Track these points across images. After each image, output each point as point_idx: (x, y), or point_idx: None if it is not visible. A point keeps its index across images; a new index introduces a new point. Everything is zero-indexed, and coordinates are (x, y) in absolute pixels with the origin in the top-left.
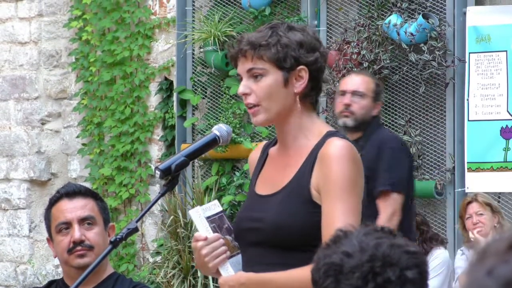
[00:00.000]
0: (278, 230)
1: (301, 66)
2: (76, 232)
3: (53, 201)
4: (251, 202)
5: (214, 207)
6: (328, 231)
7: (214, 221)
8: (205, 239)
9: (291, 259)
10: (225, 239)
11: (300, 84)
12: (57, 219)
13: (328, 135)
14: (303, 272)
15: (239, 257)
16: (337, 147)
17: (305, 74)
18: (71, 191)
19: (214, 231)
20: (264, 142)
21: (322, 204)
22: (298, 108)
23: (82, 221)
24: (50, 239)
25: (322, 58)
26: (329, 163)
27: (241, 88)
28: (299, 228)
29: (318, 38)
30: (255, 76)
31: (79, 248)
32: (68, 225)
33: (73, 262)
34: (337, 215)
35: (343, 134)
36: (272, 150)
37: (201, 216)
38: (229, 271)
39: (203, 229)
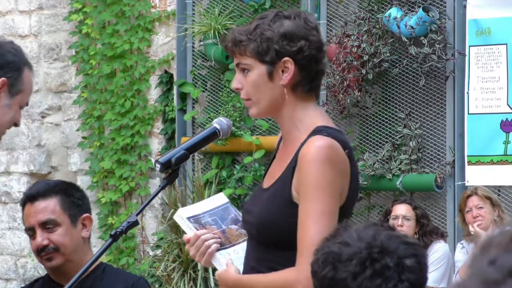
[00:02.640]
0: (261, 226)
1: (286, 58)
2: (38, 238)
3: (22, 206)
4: (255, 194)
5: (218, 200)
6: (301, 233)
7: (216, 214)
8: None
9: (272, 256)
10: (228, 229)
11: (286, 76)
12: (25, 224)
13: (314, 132)
14: (280, 276)
15: (242, 245)
16: (315, 148)
17: (290, 65)
18: (31, 195)
19: (214, 224)
20: None
21: (299, 205)
22: (288, 100)
23: (44, 224)
24: None
25: (311, 45)
26: (305, 165)
27: (234, 83)
28: (278, 227)
29: (311, 24)
30: (243, 70)
31: (44, 253)
32: (32, 230)
33: (45, 265)
34: (310, 217)
35: (333, 130)
36: (281, 143)
37: (182, 217)
38: (221, 262)
39: (188, 230)
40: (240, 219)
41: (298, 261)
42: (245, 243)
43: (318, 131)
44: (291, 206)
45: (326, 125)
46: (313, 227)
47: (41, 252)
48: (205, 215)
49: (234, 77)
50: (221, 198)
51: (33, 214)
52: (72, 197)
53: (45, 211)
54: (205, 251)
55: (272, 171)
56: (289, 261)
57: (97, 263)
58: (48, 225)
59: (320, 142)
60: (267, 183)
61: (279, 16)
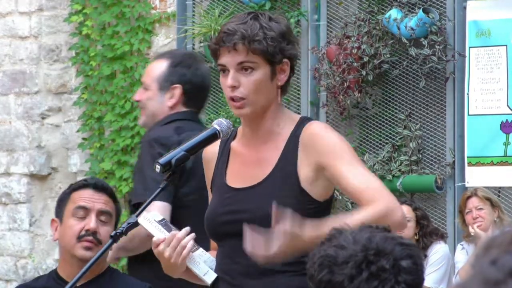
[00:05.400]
0: (268, 220)
1: (285, 60)
2: (93, 221)
3: (77, 187)
4: (224, 196)
5: (156, 215)
6: (364, 184)
7: (163, 225)
8: (162, 240)
9: None
10: None
11: (283, 77)
12: (76, 202)
13: (304, 120)
14: (368, 213)
15: (199, 251)
16: (320, 125)
17: (287, 67)
18: (100, 185)
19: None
20: None
21: (337, 171)
22: (278, 101)
23: (101, 214)
24: (58, 220)
25: (297, 48)
26: (321, 138)
27: (231, 81)
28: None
29: (291, 27)
30: (245, 69)
31: (89, 238)
32: (86, 212)
33: (78, 252)
34: (363, 172)
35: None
36: (235, 144)
37: (150, 220)
38: (201, 265)
39: (158, 232)
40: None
41: (378, 195)
42: (199, 251)
43: (307, 119)
44: (301, 193)
45: (308, 117)
46: (372, 177)
47: (84, 236)
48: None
49: (229, 76)
50: (157, 215)
51: (96, 199)
52: (119, 214)
53: (108, 204)
54: (181, 251)
55: (240, 172)
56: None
57: (105, 266)
58: (104, 217)
59: (320, 123)
60: (240, 183)
61: (269, 18)
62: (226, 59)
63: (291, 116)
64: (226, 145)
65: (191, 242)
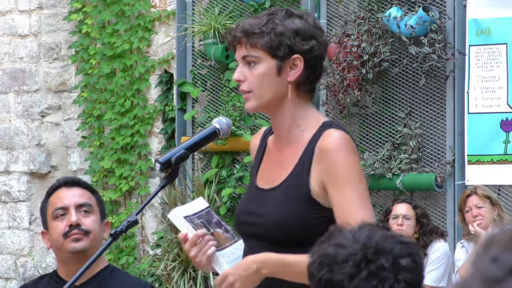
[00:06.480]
0: (277, 227)
1: (296, 55)
2: (73, 215)
3: (51, 191)
4: (251, 195)
5: (199, 204)
6: (350, 221)
7: (202, 217)
8: (186, 235)
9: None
10: (216, 233)
11: (294, 73)
12: (54, 205)
13: (325, 126)
14: None
15: (235, 246)
16: (335, 138)
17: (299, 63)
18: (70, 181)
19: (203, 226)
20: (265, 127)
21: (333, 196)
22: (290, 98)
23: (79, 207)
24: (46, 230)
25: (320, 46)
26: (331, 156)
27: (236, 75)
28: (297, 226)
29: (319, 25)
30: (249, 63)
31: (75, 231)
32: (65, 210)
33: (69, 246)
34: (355, 204)
35: (340, 125)
36: (270, 140)
37: (179, 217)
38: (224, 267)
39: (185, 229)
40: (223, 223)
41: None
42: (233, 247)
43: (328, 125)
44: (310, 203)
45: (332, 121)
46: (361, 213)
47: (70, 231)
48: (195, 217)
49: (236, 70)
50: (202, 202)
51: (70, 196)
52: (101, 199)
53: (83, 196)
54: (208, 250)
55: (268, 170)
56: None
57: (105, 264)
58: (84, 208)
59: (338, 133)
60: (265, 183)
61: (289, 14)
62: (236, 54)
63: (317, 118)
64: (265, 139)
65: (213, 247)
